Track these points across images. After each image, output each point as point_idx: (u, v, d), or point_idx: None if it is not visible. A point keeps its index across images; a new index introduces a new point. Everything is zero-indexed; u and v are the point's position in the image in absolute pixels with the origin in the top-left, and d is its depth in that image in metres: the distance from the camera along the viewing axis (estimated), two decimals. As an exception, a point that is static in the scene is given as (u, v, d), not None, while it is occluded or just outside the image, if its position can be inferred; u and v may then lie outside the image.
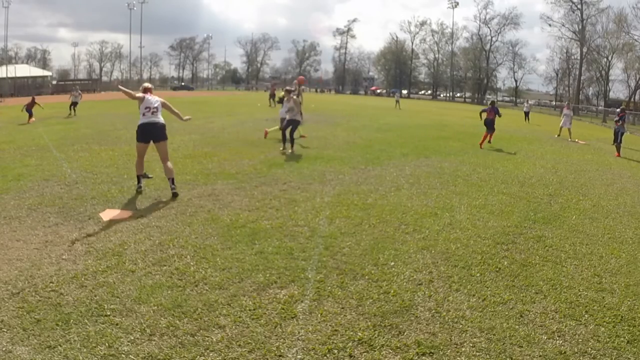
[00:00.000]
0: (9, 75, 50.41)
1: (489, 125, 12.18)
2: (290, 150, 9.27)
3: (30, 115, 16.49)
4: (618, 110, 14.21)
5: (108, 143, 10.07)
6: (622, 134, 12.77)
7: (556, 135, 15.85)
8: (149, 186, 6.06)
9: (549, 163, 9.88)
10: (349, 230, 4.57)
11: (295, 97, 9.57)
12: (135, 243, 4.07)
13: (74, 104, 19.01)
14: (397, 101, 33.80)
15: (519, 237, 4.66)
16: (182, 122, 6.48)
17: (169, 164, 5.76)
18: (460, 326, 2.88)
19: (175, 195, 5.59)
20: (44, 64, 77.82)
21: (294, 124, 9.38)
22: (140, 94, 5.90)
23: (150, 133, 5.77)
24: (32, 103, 16.92)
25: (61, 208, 5.07)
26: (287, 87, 10.36)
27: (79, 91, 20.17)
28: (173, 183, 5.69)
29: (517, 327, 2.90)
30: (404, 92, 72.97)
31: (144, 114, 5.77)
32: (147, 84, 6.27)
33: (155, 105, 5.83)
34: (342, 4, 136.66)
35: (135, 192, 5.73)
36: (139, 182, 5.87)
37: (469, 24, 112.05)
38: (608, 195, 7.00)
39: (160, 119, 5.85)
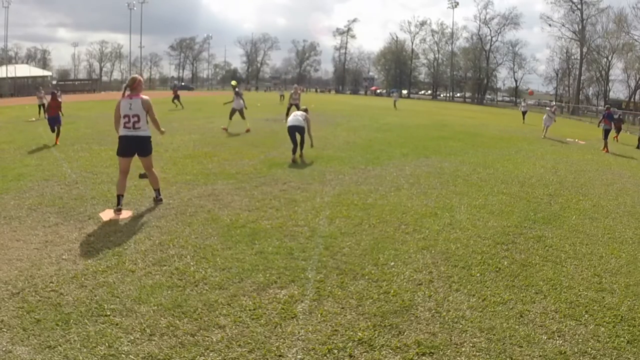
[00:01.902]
0: (9, 75, 50.43)
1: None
2: (299, 156, 8.55)
3: (55, 130, 10.40)
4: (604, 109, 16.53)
5: (108, 143, 10.07)
6: (607, 131, 14.12)
7: (542, 137, 15.91)
8: (148, 186, 6.04)
9: (549, 163, 9.88)
10: (349, 230, 4.57)
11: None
12: (135, 243, 4.07)
13: (42, 106, 18.00)
14: (395, 101, 33.55)
15: (519, 237, 4.66)
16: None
17: (154, 172, 5.26)
18: (460, 326, 2.88)
19: (159, 201, 5.21)
20: (44, 64, 77.94)
21: (298, 130, 8.48)
22: (117, 104, 4.96)
23: (131, 147, 5.00)
24: (57, 104, 10.90)
25: (61, 208, 5.07)
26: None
27: (43, 92, 19.34)
28: (159, 194, 5.28)
29: (517, 327, 2.90)
30: (404, 92, 72.95)
31: (124, 125, 4.92)
32: (133, 77, 5.07)
33: (134, 113, 4.88)
34: (342, 4, 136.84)
35: (113, 212, 4.90)
36: (118, 202, 4.93)
37: (469, 24, 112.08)
38: (608, 195, 7.00)
39: (143, 130, 4.98)
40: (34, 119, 16.80)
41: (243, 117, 13.27)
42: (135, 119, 4.90)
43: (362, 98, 57.74)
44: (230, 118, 13.22)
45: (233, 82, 14.47)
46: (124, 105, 4.90)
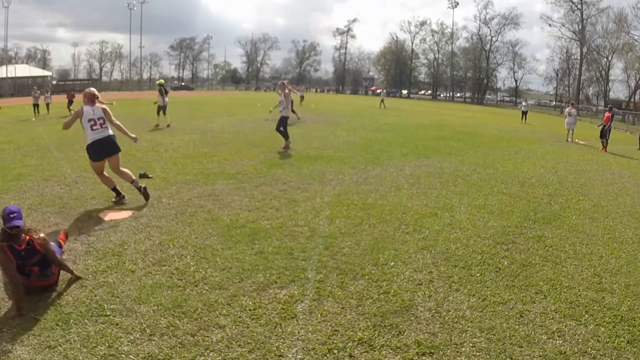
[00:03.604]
0: (9, 75, 50.46)
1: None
2: (284, 145, 9.84)
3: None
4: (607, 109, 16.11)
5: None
6: (609, 131, 14.13)
7: (571, 140, 15.26)
8: (149, 186, 6.04)
9: (549, 163, 9.87)
10: (349, 230, 4.57)
11: (286, 92, 10.23)
12: (135, 243, 4.07)
13: (36, 106, 18.37)
14: (382, 100, 33.19)
15: (519, 237, 4.66)
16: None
17: (124, 170, 5.38)
18: (460, 326, 2.88)
19: (140, 188, 5.33)
20: (44, 64, 77.76)
21: (280, 120, 10.10)
22: (75, 110, 5.34)
23: (105, 149, 5.23)
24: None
25: (61, 208, 5.07)
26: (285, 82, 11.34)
27: (38, 92, 19.40)
28: (138, 183, 5.39)
29: (517, 327, 2.90)
30: (404, 92, 72.94)
31: (92, 129, 5.15)
32: (89, 90, 5.46)
33: (99, 116, 5.23)
34: (341, 3, 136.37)
35: (113, 202, 5.31)
36: (117, 194, 5.39)
37: (469, 24, 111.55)
38: (608, 195, 7.00)
39: (110, 130, 5.32)
40: (33, 119, 16.81)
41: (164, 113, 14.04)
42: (101, 120, 5.25)
43: (362, 98, 57.70)
44: (158, 114, 14.05)
45: (160, 81, 15.18)
46: (89, 110, 5.23)
